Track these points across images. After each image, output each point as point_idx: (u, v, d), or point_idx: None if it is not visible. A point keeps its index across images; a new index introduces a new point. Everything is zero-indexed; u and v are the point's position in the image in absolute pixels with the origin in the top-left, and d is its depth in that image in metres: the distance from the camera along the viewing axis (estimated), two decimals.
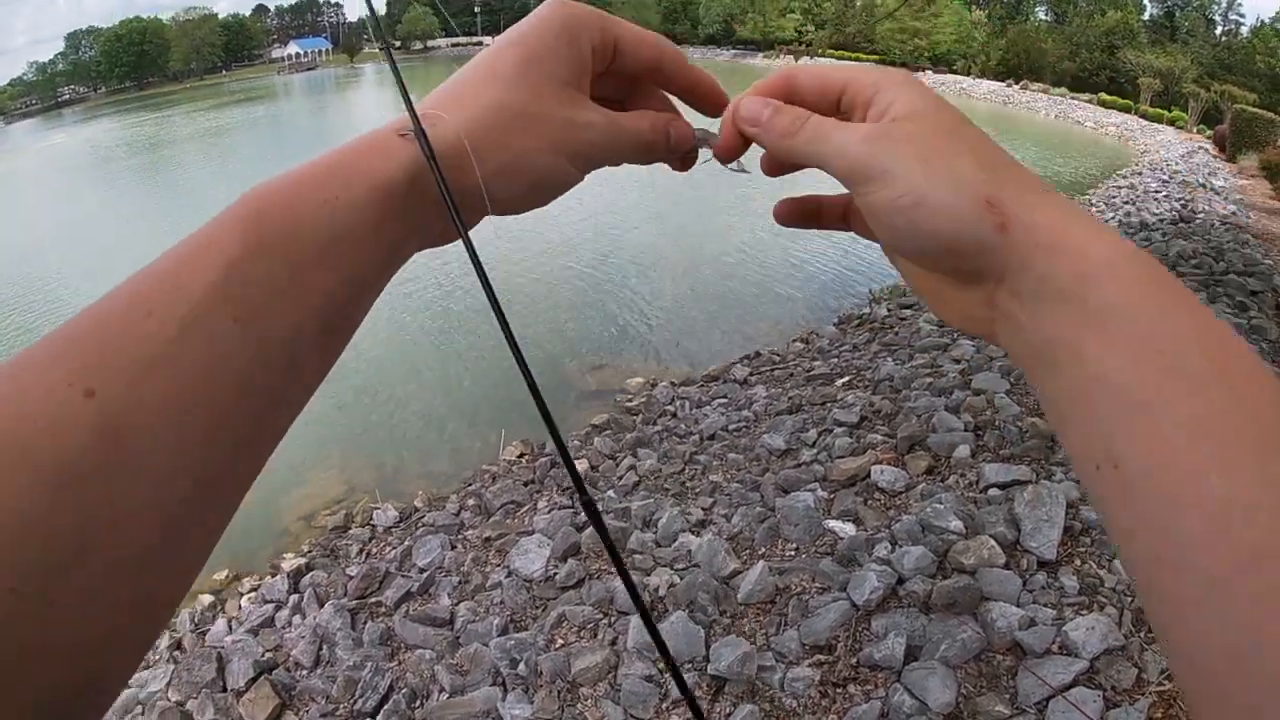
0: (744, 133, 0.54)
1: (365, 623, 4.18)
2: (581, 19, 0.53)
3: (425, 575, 4.48)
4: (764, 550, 3.98)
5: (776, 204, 0.60)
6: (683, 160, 0.60)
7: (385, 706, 3.44)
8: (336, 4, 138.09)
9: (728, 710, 3.05)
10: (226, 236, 0.42)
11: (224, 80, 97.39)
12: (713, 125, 0.58)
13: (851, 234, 0.60)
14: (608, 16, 0.55)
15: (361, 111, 47.31)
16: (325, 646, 4.05)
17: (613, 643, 3.51)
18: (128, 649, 0.37)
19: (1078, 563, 3.60)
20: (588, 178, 0.55)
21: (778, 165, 0.57)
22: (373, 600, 4.41)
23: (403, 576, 4.58)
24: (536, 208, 0.54)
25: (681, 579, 3.79)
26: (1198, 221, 11.95)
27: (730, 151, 0.57)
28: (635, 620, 3.54)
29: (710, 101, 0.60)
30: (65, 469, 0.34)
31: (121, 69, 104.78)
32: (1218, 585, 0.35)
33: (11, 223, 21.52)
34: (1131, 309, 0.40)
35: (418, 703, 3.47)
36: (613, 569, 3.99)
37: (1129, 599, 3.39)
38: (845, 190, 0.51)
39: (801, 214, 0.61)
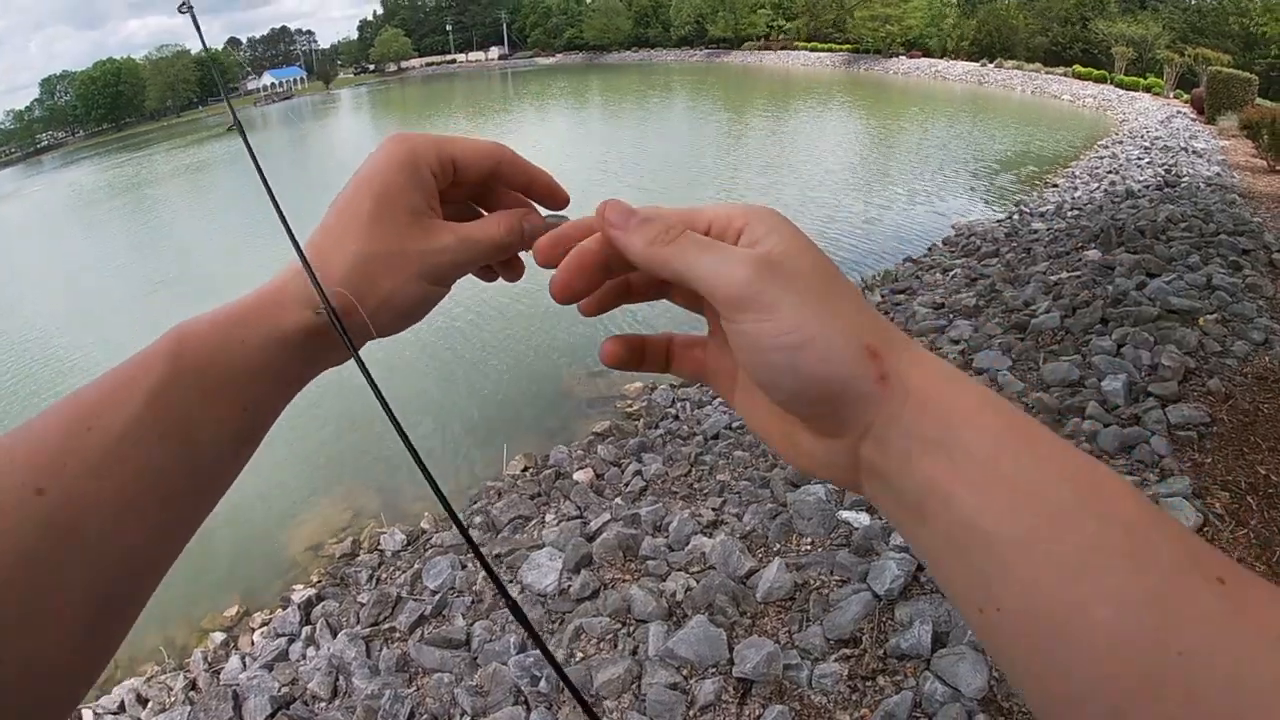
0: (607, 235, 0.51)
1: (380, 650, 4.10)
2: (417, 150, 0.58)
3: (437, 597, 4.41)
4: (779, 546, 3.93)
5: (604, 343, 0.58)
6: (511, 268, 0.66)
7: None
8: (308, 32, 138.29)
9: (757, 712, 2.99)
10: (152, 367, 0.50)
11: (201, 115, 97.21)
12: (564, 214, 0.63)
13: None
14: (440, 140, 0.60)
15: (341, 138, 47.28)
16: (342, 677, 3.97)
17: (633, 652, 3.44)
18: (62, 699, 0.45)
19: None
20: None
21: (609, 297, 0.57)
22: (386, 626, 4.34)
23: (414, 600, 4.50)
24: (412, 324, 0.61)
25: (698, 582, 3.73)
26: (1183, 185, 11.91)
27: (549, 259, 0.56)
28: (654, 627, 3.47)
29: (549, 196, 0.65)
30: (21, 552, 0.42)
31: (98, 111, 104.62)
32: (1119, 716, 0.35)
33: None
34: (997, 453, 0.40)
35: None
36: (629, 577, 3.98)
37: None
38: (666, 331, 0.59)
39: (629, 353, 0.58)
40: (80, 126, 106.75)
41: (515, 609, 0.49)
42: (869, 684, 3.02)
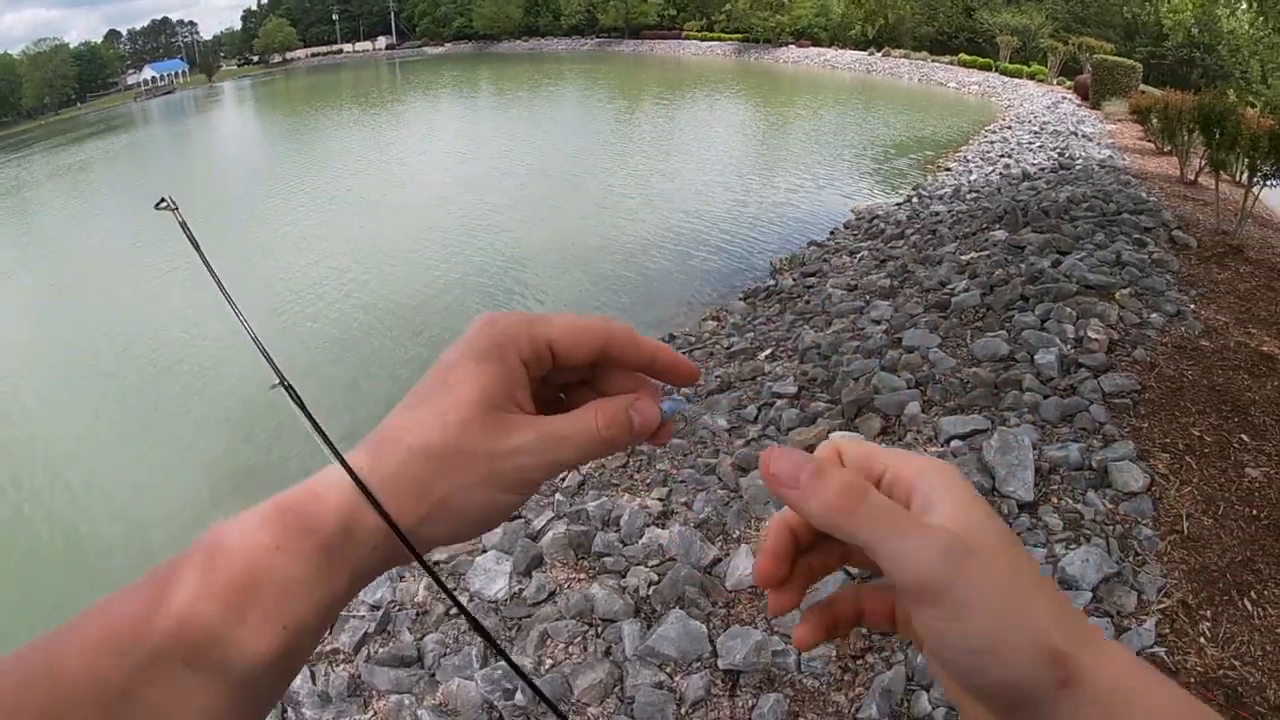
0: (777, 494, 0.46)
1: (327, 674, 3.88)
2: (506, 333, 0.52)
3: (379, 613, 4.19)
4: (738, 533, 3.85)
5: (798, 629, 0.54)
6: (657, 435, 0.56)
7: None
8: (190, 22, 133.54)
9: (750, 703, 2.91)
10: (179, 582, 0.44)
11: (80, 112, 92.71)
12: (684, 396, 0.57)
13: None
14: (536, 320, 0.53)
15: (223, 134, 45.87)
16: (289, 708, 3.73)
17: (607, 653, 3.32)
18: None
19: (1055, 500, 3.61)
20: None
21: (801, 579, 0.52)
22: (329, 649, 4.10)
23: (355, 618, 4.27)
24: (475, 537, 0.57)
25: (662, 576, 3.63)
26: (1078, 168, 12.29)
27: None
28: (628, 626, 3.35)
29: (670, 373, 0.56)
30: None
31: None
32: None
33: None
34: None
35: None
36: (584, 576, 3.84)
37: (1112, 528, 3.41)
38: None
39: (833, 624, 0.53)
40: None
41: (476, 625, 0.53)
42: (859, 663, 2.98)
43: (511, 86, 45.70)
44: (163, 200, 0.64)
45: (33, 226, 24.95)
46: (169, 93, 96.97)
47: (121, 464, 8.33)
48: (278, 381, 0.49)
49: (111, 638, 0.41)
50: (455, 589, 4.14)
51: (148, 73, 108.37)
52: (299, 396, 0.46)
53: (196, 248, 0.60)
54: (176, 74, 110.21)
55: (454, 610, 3.96)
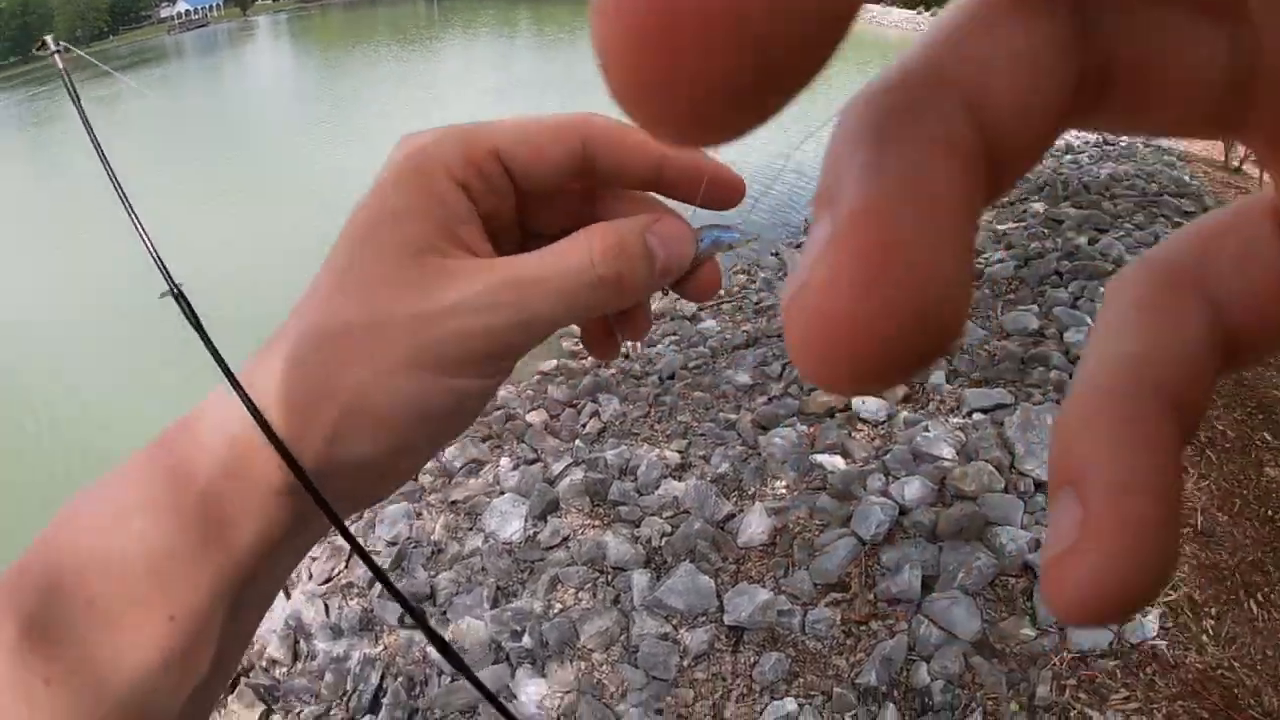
0: None
1: (340, 607, 3.94)
2: (426, 150, 0.36)
3: (395, 549, 4.26)
4: (754, 490, 3.86)
5: None
6: (698, 282, 0.40)
7: (384, 700, 3.22)
8: None
9: (752, 660, 2.95)
10: (19, 588, 0.33)
11: (112, 45, 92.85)
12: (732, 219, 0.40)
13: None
14: (471, 129, 0.37)
15: (258, 66, 45.81)
16: (301, 639, 3.80)
17: (615, 601, 3.36)
18: None
19: None
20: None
21: None
22: (343, 582, 4.17)
23: (371, 553, 4.36)
24: (428, 449, 0.38)
25: (675, 528, 3.66)
26: (1122, 145, 12.06)
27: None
28: (637, 576, 3.39)
29: (699, 185, 0.39)
30: None
31: (3, 45, 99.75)
32: None
33: None
34: None
35: (417, 690, 3.27)
36: (599, 523, 3.89)
37: None
38: None
39: None
40: None
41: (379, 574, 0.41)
42: (862, 629, 3.00)
43: (552, 29, 45.20)
44: (42, 43, 0.53)
45: (63, 160, 25.09)
46: (202, 26, 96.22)
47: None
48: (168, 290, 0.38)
49: None
50: (470, 529, 4.20)
51: (181, 6, 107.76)
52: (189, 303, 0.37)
53: (76, 101, 0.50)
54: (210, 7, 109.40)
55: (467, 550, 4.02)
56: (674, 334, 6.99)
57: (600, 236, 0.36)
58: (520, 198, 0.39)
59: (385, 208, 0.35)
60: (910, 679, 2.81)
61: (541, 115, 0.38)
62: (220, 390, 0.35)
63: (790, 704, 2.78)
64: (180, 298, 0.39)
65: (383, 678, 3.35)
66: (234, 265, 11.27)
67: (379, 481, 0.38)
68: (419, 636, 3.50)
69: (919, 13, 46.41)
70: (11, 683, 0.32)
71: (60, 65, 0.48)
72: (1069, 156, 11.26)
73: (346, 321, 0.34)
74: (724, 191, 0.39)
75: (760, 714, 2.81)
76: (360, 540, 3.68)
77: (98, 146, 0.44)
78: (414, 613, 0.46)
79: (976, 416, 4.03)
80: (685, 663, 3.01)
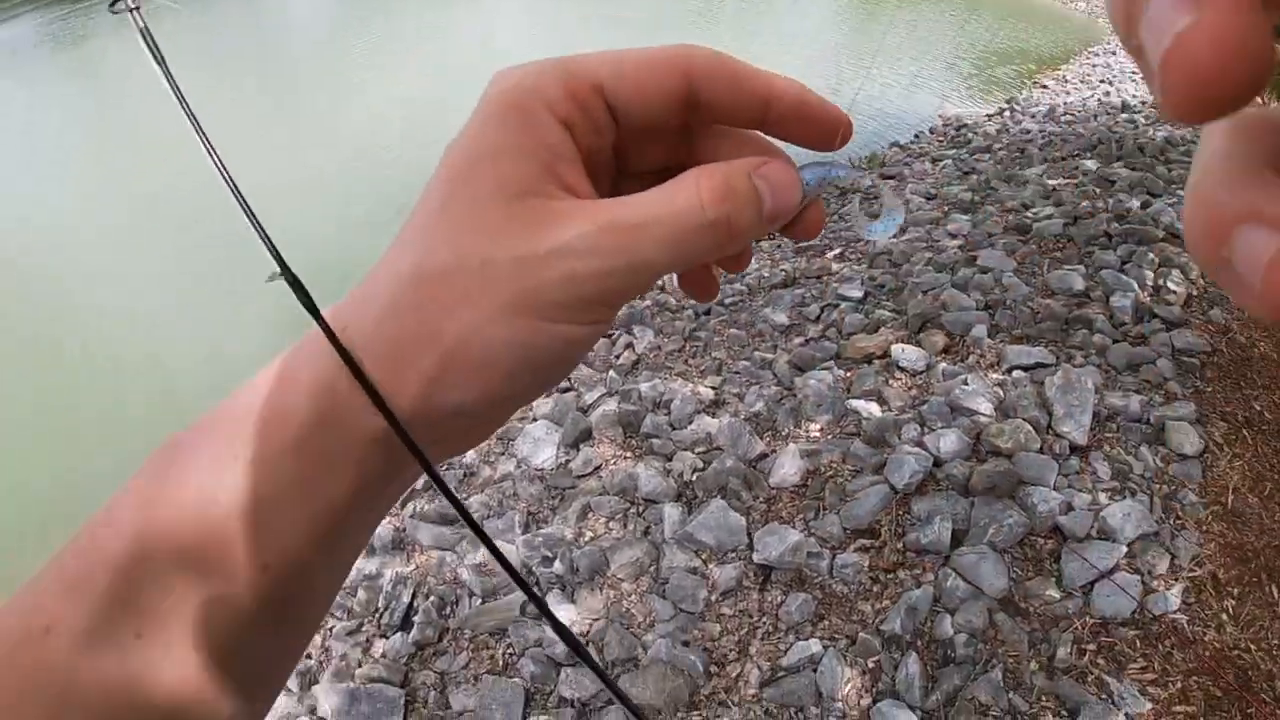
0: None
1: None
2: (525, 84, 0.34)
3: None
4: (787, 431, 3.88)
5: None
6: (802, 224, 0.39)
7: (416, 618, 3.28)
8: None
9: (778, 599, 2.99)
10: (114, 533, 0.33)
11: None
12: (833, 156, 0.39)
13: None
14: (570, 62, 0.35)
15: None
16: None
17: (645, 533, 3.41)
18: None
19: (1107, 448, 3.57)
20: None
21: None
22: None
23: None
24: (529, 396, 0.36)
25: (707, 464, 3.68)
26: None
27: None
28: (669, 509, 3.43)
29: (810, 125, 0.38)
30: None
31: None
32: None
33: None
34: None
35: (448, 610, 3.33)
36: (630, 454, 3.92)
37: (1158, 486, 3.39)
38: None
39: None
40: None
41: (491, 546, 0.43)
42: (890, 576, 3.03)
43: None
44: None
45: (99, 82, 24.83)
46: None
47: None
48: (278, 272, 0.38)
49: (46, 612, 0.33)
50: (502, 454, 4.24)
51: None
52: (364, 375, 0.34)
53: (161, 63, 0.45)
54: None
55: (500, 475, 4.06)
56: None
57: (708, 179, 0.35)
58: (619, 135, 0.38)
59: (484, 146, 0.34)
60: (934, 630, 2.84)
61: (642, 48, 0.36)
62: (313, 335, 0.35)
63: (815, 645, 2.83)
64: (296, 284, 0.37)
65: (414, 596, 3.42)
66: (292, 192, 11.26)
67: (475, 428, 0.38)
68: (450, 557, 3.57)
69: None
70: (104, 636, 0.32)
71: (139, 25, 0.46)
72: (1124, 115, 11.03)
73: (445, 265, 0.33)
74: (829, 129, 0.38)
75: (784, 653, 2.85)
76: None
77: (185, 107, 0.43)
78: (533, 595, 0.43)
79: (1016, 374, 4.01)
80: (713, 598, 3.06)
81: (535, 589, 3.17)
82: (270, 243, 0.41)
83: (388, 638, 3.26)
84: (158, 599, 0.33)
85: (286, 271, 0.40)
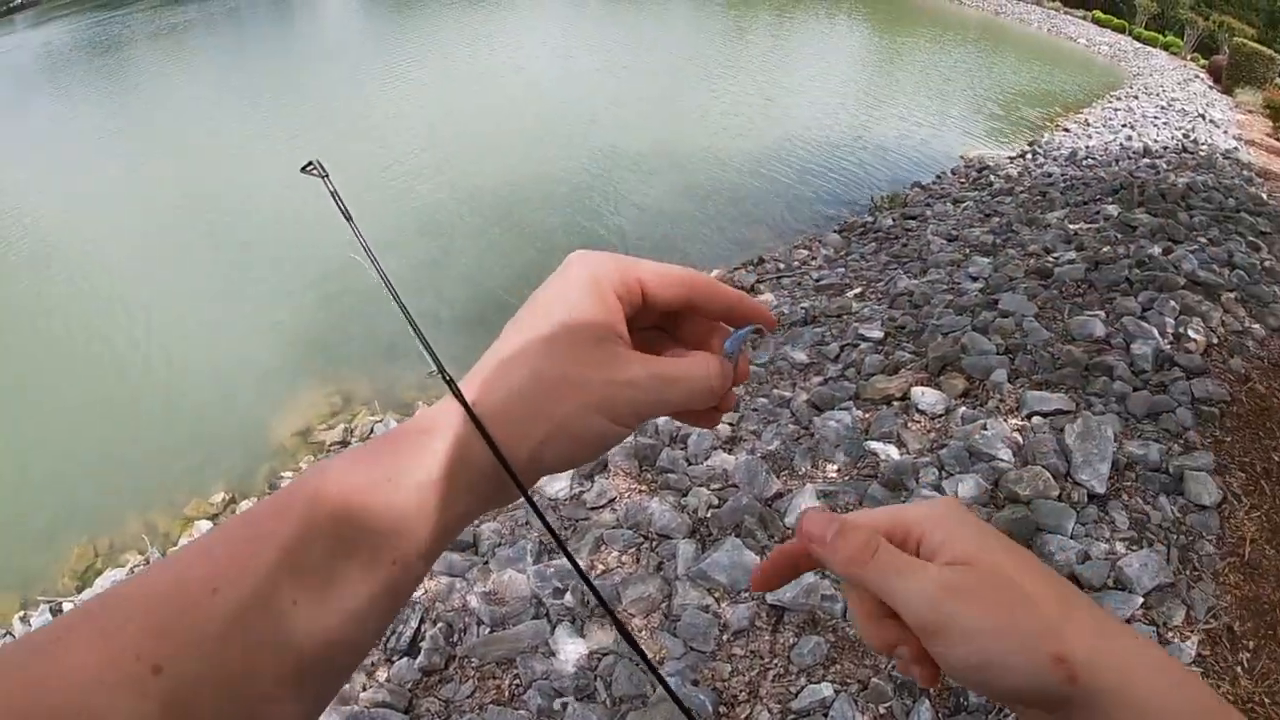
0: (807, 549, 0.55)
1: None
2: (602, 268, 0.53)
3: None
4: (804, 470, 3.86)
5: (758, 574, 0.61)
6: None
7: (423, 644, 3.26)
8: None
9: (791, 641, 2.96)
10: (288, 517, 0.43)
11: None
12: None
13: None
14: (627, 262, 0.55)
15: (328, 6, 45.64)
16: None
17: (659, 568, 3.39)
18: None
19: (1125, 497, 3.54)
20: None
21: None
22: None
23: None
24: (583, 464, 0.56)
25: (723, 501, 3.67)
26: (1202, 154, 11.76)
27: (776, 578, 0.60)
28: (683, 545, 3.41)
29: (756, 320, 0.58)
30: None
31: None
32: None
33: None
34: None
35: (455, 638, 3.31)
36: (646, 488, 3.91)
37: (1176, 537, 3.36)
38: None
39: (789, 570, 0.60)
40: None
41: (588, 583, 0.63)
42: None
43: None
44: (310, 164, 0.63)
45: (133, 85, 25.01)
46: None
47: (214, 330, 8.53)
48: (415, 338, 0.53)
49: (187, 598, 0.40)
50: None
51: None
52: (489, 435, 0.48)
53: (349, 219, 0.61)
54: None
55: (513, 504, 4.04)
56: None
57: (715, 363, 0.54)
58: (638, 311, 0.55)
59: (579, 306, 0.51)
60: (947, 678, 2.81)
61: (670, 266, 0.55)
62: (444, 402, 0.49)
63: (826, 689, 2.79)
64: (443, 374, 0.51)
65: (421, 622, 3.40)
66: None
67: (544, 470, 0.51)
68: (459, 584, 3.56)
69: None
70: (266, 602, 0.40)
71: (330, 189, 0.58)
72: (1146, 160, 11.03)
73: (556, 376, 0.49)
74: (763, 320, 0.58)
75: (795, 695, 2.82)
76: None
77: (363, 243, 0.56)
78: (613, 615, 0.56)
79: (1036, 420, 3.99)
80: (725, 637, 3.03)
81: (545, 620, 3.18)
82: (428, 346, 0.56)
83: (394, 663, 3.24)
84: (313, 577, 0.42)
85: (443, 372, 0.53)
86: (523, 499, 0.50)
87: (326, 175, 0.60)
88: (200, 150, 14.50)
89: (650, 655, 3.03)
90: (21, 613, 4.91)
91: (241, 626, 0.39)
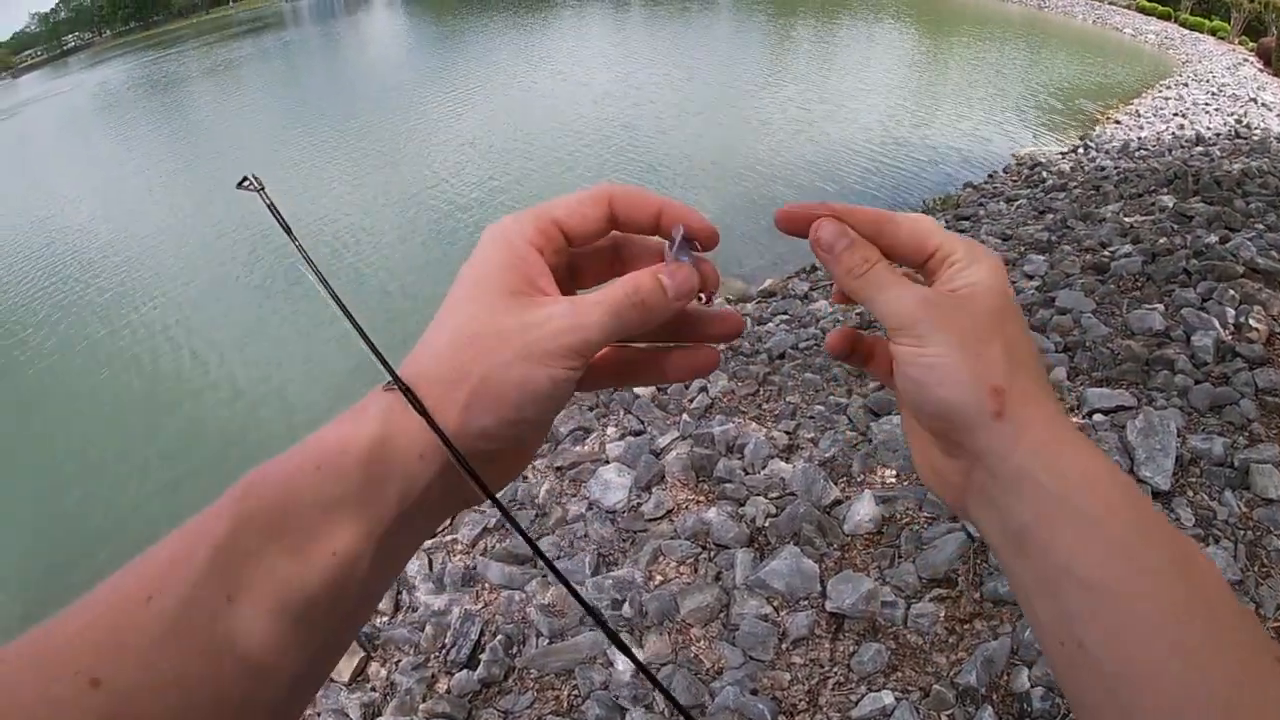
0: (818, 257, 0.56)
1: (444, 563, 4.05)
2: (509, 225, 0.52)
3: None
4: (863, 477, 3.84)
5: (830, 336, 0.62)
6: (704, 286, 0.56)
7: (482, 655, 3.29)
8: None
9: (850, 648, 2.94)
10: (219, 516, 0.42)
11: (231, 11, 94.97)
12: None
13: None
14: (536, 209, 0.54)
15: (374, 32, 46.40)
16: (404, 591, 3.91)
17: (717, 578, 3.39)
18: None
19: (1190, 494, 3.46)
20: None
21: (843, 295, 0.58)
22: (447, 539, 4.26)
23: (475, 511, 4.43)
24: (533, 426, 0.51)
25: (780, 509, 3.66)
26: (1255, 138, 11.50)
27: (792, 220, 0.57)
28: (741, 554, 3.41)
29: (691, 228, 0.55)
30: None
31: (124, 10, 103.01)
32: None
33: (34, 187, 19.35)
34: (1105, 516, 0.46)
35: (515, 649, 3.34)
36: (703, 499, 3.91)
37: (1243, 533, 3.28)
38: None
39: (849, 345, 0.61)
40: (107, 26, 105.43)
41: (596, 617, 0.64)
42: (966, 627, 2.96)
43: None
44: (245, 179, 0.63)
45: (186, 121, 25.49)
46: None
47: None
48: (390, 382, 0.49)
49: (123, 607, 0.40)
50: (574, 495, 4.26)
51: None
52: (410, 391, 0.48)
53: (288, 231, 0.60)
54: None
55: (571, 516, 4.08)
56: (784, 313, 6.95)
57: (632, 279, 0.52)
58: (572, 255, 0.56)
59: (487, 266, 0.50)
60: (1010, 682, 2.76)
61: (584, 191, 0.54)
62: (379, 389, 0.48)
63: (887, 697, 2.77)
64: (408, 392, 0.48)
65: (481, 634, 3.44)
66: (354, 219, 11.56)
67: (500, 454, 0.50)
68: (519, 596, 3.58)
69: None
70: (199, 601, 0.40)
71: (265, 202, 0.60)
72: (1199, 148, 10.82)
73: (473, 331, 0.48)
74: (701, 230, 0.55)
75: (855, 704, 2.79)
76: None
77: (302, 251, 0.56)
78: (594, 613, 0.57)
79: (1097, 417, 3.93)
80: (784, 645, 3.02)
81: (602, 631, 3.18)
82: (378, 352, 0.52)
83: (453, 674, 3.28)
84: (247, 569, 0.41)
85: (406, 390, 0.50)
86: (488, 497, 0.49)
87: (263, 188, 0.60)
88: (274, 179, 14.81)
89: (707, 666, 3.04)
90: None
91: (174, 631, 0.39)
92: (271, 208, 0.59)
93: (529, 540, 0.54)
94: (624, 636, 3.19)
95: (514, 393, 0.47)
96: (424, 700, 3.15)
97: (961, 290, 0.51)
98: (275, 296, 9.76)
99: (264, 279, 10.17)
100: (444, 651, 3.41)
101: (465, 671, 3.26)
